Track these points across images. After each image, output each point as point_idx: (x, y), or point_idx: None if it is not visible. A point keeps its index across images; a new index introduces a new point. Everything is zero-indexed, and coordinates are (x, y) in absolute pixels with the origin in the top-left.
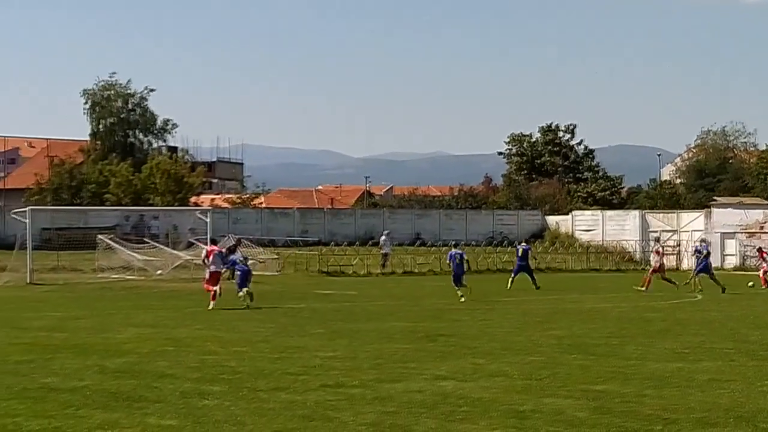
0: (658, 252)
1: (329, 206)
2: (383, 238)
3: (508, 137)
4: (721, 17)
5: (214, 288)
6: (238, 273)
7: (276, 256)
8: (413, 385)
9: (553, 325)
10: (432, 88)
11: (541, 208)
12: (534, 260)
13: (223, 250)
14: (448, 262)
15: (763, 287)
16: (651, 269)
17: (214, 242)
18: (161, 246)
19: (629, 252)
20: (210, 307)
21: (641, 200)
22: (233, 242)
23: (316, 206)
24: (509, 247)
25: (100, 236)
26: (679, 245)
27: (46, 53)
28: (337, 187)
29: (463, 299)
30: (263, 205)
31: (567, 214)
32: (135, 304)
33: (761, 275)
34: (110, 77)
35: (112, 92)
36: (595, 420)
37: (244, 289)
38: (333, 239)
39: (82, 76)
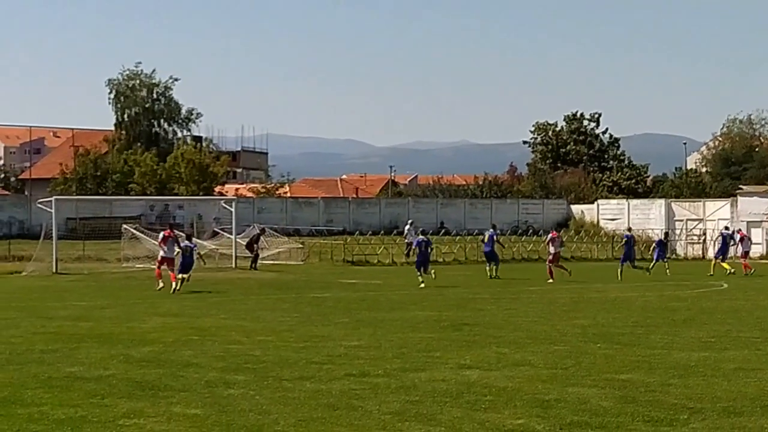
0: (553, 241)
1: (354, 196)
2: (407, 227)
3: (533, 126)
4: (747, 4)
5: (171, 272)
6: (185, 261)
7: (301, 246)
8: (438, 375)
9: (577, 314)
10: (457, 76)
11: (566, 197)
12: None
13: (177, 236)
14: (414, 248)
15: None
16: (548, 260)
17: (171, 227)
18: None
19: (654, 241)
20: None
21: (666, 189)
22: (257, 231)
23: (341, 196)
24: (534, 237)
25: (125, 226)
26: (704, 234)
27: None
28: (361, 177)
29: (422, 285)
30: (288, 195)
31: (592, 203)
32: (160, 293)
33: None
34: (135, 67)
35: (137, 82)
36: (620, 409)
37: (181, 275)
38: (357, 228)
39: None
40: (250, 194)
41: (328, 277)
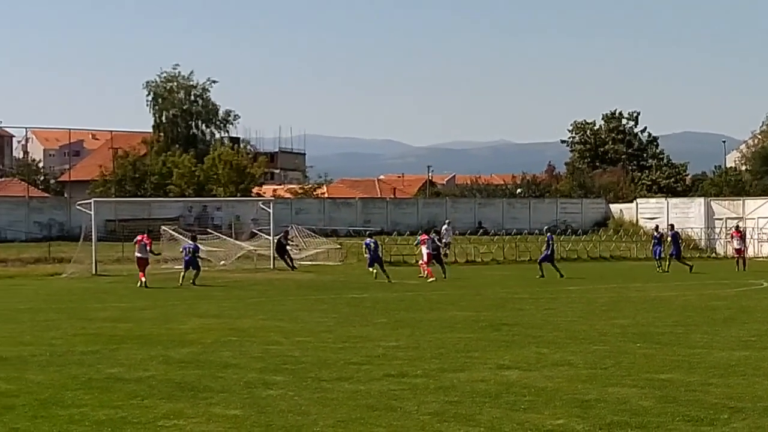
0: (424, 243)
1: (391, 196)
2: (444, 227)
3: (571, 125)
4: None
5: (140, 271)
6: (185, 259)
7: (338, 246)
8: (477, 375)
9: (617, 313)
10: (494, 75)
11: (605, 197)
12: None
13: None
14: (363, 249)
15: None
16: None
17: (150, 232)
18: (224, 237)
19: (694, 240)
20: (143, 281)
21: (706, 187)
22: (292, 233)
23: (379, 196)
24: (573, 236)
25: (163, 227)
26: (744, 232)
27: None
28: (399, 177)
29: (376, 278)
30: (325, 195)
31: (631, 202)
32: (198, 294)
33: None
34: (173, 69)
35: (175, 84)
36: (661, 409)
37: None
38: (395, 229)
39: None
40: (287, 195)
41: (366, 277)
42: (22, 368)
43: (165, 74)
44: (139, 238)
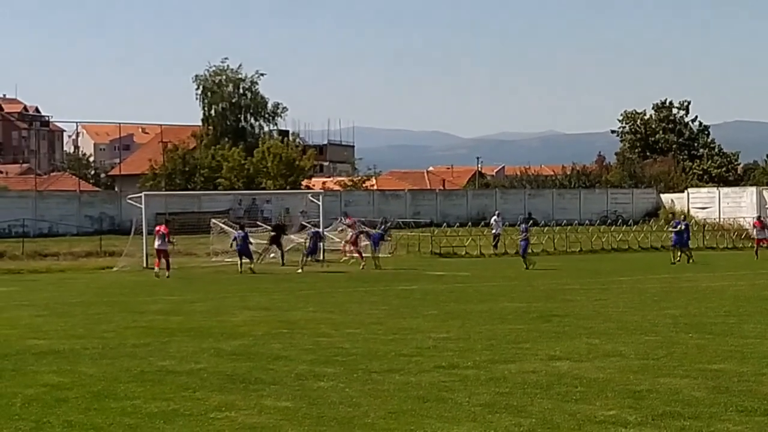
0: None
1: (441, 187)
2: (494, 218)
3: (621, 115)
4: None
5: (163, 259)
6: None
7: (388, 238)
8: (527, 366)
9: (668, 304)
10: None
11: (656, 186)
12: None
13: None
14: (306, 238)
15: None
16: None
17: (166, 223)
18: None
19: (746, 229)
20: (155, 271)
21: (758, 177)
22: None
23: (428, 188)
24: (624, 226)
25: (213, 220)
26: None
27: (159, 40)
28: (448, 168)
29: (300, 271)
30: (375, 188)
31: (682, 191)
32: (249, 287)
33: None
34: (222, 63)
35: (224, 77)
36: (713, 399)
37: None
38: (445, 220)
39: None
40: (337, 187)
41: (416, 269)
42: (74, 361)
43: (214, 68)
44: (157, 228)
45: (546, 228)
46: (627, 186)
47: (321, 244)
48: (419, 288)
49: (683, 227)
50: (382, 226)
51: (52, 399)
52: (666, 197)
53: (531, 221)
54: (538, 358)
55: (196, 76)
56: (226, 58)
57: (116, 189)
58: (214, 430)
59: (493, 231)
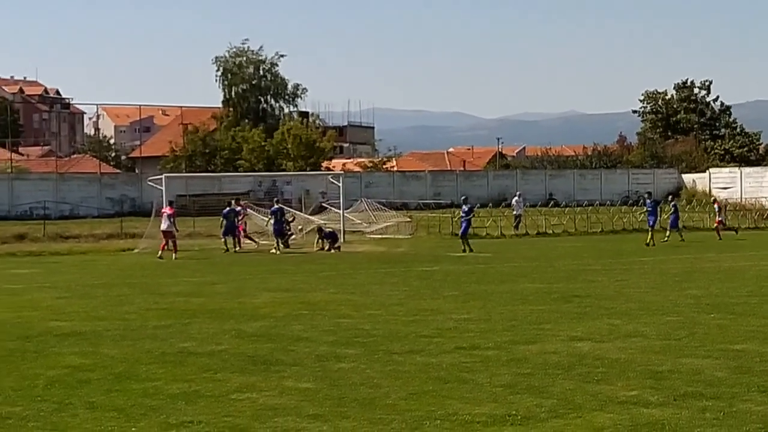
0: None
1: (461, 168)
2: (516, 199)
3: (642, 95)
4: None
5: (169, 242)
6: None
7: (408, 219)
8: (549, 347)
9: (690, 284)
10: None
11: (677, 166)
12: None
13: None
14: (269, 217)
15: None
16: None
17: (171, 204)
18: (294, 211)
19: None
20: (159, 254)
21: None
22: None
23: (448, 169)
24: (645, 207)
25: (233, 202)
26: None
27: (179, 22)
28: (469, 149)
29: (274, 251)
30: (395, 169)
31: (704, 171)
32: (270, 268)
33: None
34: (242, 44)
35: (244, 59)
36: (735, 380)
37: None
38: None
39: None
40: (357, 169)
41: (437, 250)
42: (96, 343)
43: (234, 49)
44: (163, 210)
45: (567, 208)
46: (648, 166)
47: (285, 223)
48: (440, 269)
49: (672, 209)
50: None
51: (75, 380)
52: (688, 177)
53: (467, 201)
54: (559, 339)
55: (217, 57)
56: (246, 40)
57: (137, 171)
58: (236, 411)
59: (515, 212)
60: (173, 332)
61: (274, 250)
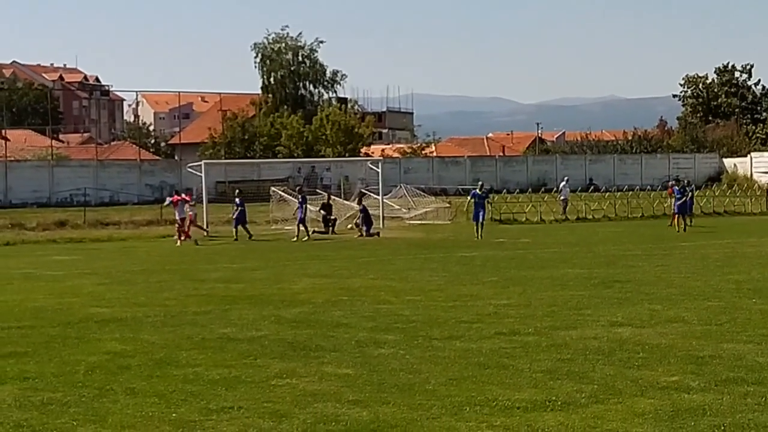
0: (175, 205)
1: (500, 154)
2: (562, 184)
3: (682, 79)
4: None
5: (184, 230)
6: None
7: (448, 205)
8: (589, 332)
9: (732, 269)
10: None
11: (718, 151)
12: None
13: (186, 198)
14: (236, 207)
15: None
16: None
17: (177, 192)
18: (334, 197)
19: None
20: (178, 244)
21: None
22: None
23: (488, 154)
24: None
25: (273, 188)
26: None
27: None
28: (508, 134)
29: (236, 239)
30: (434, 154)
31: (745, 156)
32: (309, 254)
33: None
34: (281, 30)
35: (283, 45)
36: None
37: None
38: (505, 187)
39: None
40: (396, 155)
41: (476, 236)
42: (137, 329)
43: (273, 36)
44: (174, 198)
45: (607, 193)
46: (689, 151)
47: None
48: (479, 255)
49: (689, 194)
50: (481, 191)
51: (115, 366)
52: (729, 162)
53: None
54: (599, 325)
55: (256, 44)
56: (285, 26)
57: (176, 158)
58: (275, 396)
59: (561, 197)
60: (213, 318)
61: (295, 239)
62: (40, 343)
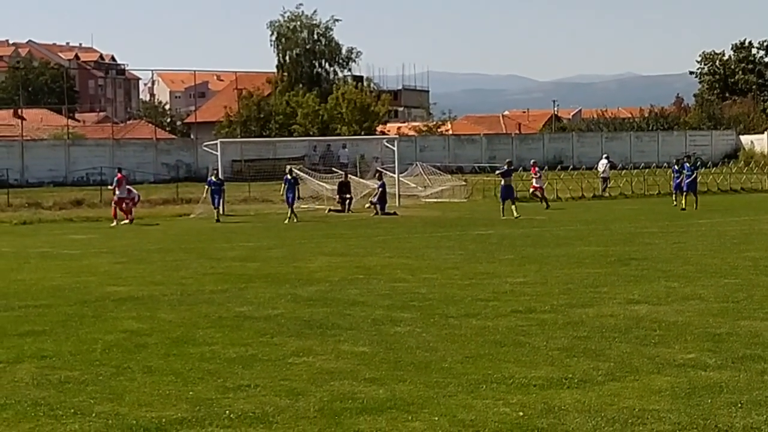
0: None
1: (517, 131)
2: (602, 161)
3: (699, 56)
4: None
5: (122, 211)
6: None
7: (464, 183)
8: (605, 310)
9: (748, 246)
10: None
11: (735, 128)
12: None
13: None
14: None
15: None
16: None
17: (120, 170)
18: (350, 175)
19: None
20: (113, 224)
21: None
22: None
23: (504, 132)
24: (703, 169)
25: (288, 167)
26: None
27: None
28: (524, 112)
29: (217, 222)
30: (450, 132)
31: (762, 133)
32: (325, 233)
33: (532, 192)
34: (296, 9)
35: (298, 23)
36: None
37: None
38: (521, 165)
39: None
40: (412, 133)
41: (492, 214)
42: (153, 307)
43: (288, 14)
44: (119, 176)
45: (624, 171)
46: (706, 128)
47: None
48: (495, 233)
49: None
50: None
51: (132, 345)
52: (745, 139)
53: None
54: (616, 302)
55: (271, 22)
56: (300, 4)
57: (192, 136)
58: (292, 375)
59: (602, 175)
60: (230, 297)
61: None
62: (58, 321)
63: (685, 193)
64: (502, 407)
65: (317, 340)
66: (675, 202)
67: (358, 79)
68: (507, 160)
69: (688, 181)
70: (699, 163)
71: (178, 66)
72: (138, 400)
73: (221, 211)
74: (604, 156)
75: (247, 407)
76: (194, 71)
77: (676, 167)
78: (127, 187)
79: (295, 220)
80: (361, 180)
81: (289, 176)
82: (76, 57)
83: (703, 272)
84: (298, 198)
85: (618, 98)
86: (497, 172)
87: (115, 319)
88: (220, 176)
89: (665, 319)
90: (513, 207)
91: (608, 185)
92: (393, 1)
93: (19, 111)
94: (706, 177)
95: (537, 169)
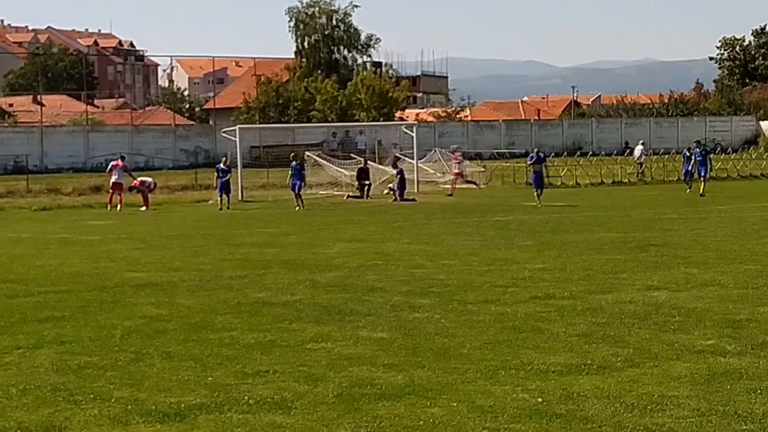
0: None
1: (536, 117)
2: (639, 147)
3: (719, 41)
4: None
5: (117, 195)
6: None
7: (482, 169)
8: (624, 296)
9: None
10: None
11: (755, 114)
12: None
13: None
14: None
15: (449, 194)
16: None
17: (123, 158)
18: (369, 162)
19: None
20: (109, 209)
21: None
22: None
23: (523, 118)
24: (723, 155)
25: (307, 153)
26: None
27: None
28: (543, 98)
29: (221, 210)
30: (469, 118)
31: None
32: (343, 219)
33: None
34: None
35: (317, 9)
36: None
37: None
38: (540, 151)
39: None
40: (430, 119)
41: (511, 200)
42: (172, 293)
43: (307, 0)
44: (114, 162)
45: (644, 157)
46: (726, 114)
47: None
48: (514, 219)
49: (701, 157)
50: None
51: (151, 330)
52: (765, 125)
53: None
54: (635, 288)
55: (290, 8)
56: None
57: (211, 122)
58: (311, 360)
59: (638, 160)
60: (248, 282)
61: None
62: (77, 307)
63: (702, 178)
64: (521, 393)
65: (336, 326)
66: (689, 190)
67: (377, 65)
68: (536, 149)
69: (700, 166)
70: (711, 148)
71: (196, 52)
72: (157, 386)
73: (227, 201)
74: (640, 142)
75: (265, 393)
76: (213, 57)
77: (687, 153)
78: (141, 178)
79: (299, 208)
80: (380, 166)
81: (294, 162)
82: (95, 43)
83: (723, 258)
84: (304, 185)
85: (637, 84)
86: (529, 162)
87: (134, 305)
88: (228, 163)
89: (684, 306)
90: (537, 194)
91: (642, 170)
92: None
93: (39, 97)
94: (725, 163)
95: (458, 155)
